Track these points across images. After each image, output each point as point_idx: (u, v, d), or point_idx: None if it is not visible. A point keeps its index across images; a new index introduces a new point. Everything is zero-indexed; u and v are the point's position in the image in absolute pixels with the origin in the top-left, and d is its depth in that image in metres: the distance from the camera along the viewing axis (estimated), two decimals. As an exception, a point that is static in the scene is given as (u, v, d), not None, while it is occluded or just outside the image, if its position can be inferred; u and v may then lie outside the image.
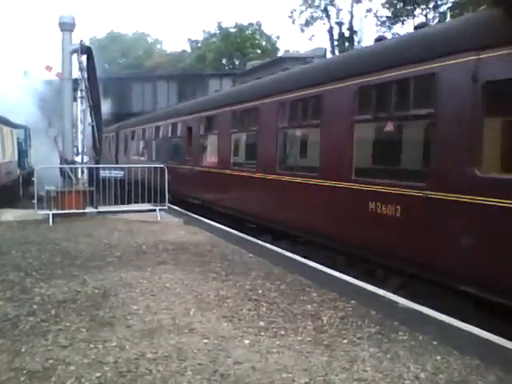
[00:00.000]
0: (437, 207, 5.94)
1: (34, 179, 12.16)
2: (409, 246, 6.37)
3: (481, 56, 5.48)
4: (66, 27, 13.38)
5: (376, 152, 7.65)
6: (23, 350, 4.33)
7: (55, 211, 11.66)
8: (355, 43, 37.20)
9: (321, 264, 7.63)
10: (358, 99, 7.51)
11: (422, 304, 5.72)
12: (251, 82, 13.31)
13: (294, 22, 40.84)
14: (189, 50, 57.87)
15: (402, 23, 36.24)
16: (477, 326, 5.02)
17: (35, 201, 11.93)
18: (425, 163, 6.51)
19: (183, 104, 19.11)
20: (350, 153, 7.57)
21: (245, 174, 11.46)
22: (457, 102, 5.86)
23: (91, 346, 4.42)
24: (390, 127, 7.03)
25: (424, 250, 6.14)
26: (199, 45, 56.08)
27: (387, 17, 36.74)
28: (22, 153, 24.80)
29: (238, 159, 12.31)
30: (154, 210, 12.54)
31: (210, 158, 13.96)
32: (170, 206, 13.47)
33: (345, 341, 4.61)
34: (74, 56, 13.33)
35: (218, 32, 54.37)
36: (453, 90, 5.91)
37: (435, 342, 4.59)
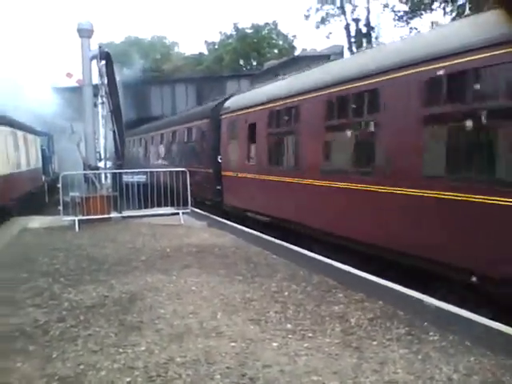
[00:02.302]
0: None
1: (59, 186, 12.33)
2: None
3: None
4: (85, 33, 13.56)
5: None
6: (54, 355, 4.39)
7: (81, 217, 11.82)
8: (373, 39, 36.86)
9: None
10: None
11: (452, 303, 5.61)
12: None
13: (307, 19, 40.45)
14: (206, 52, 58.10)
15: (420, 17, 35.76)
16: (509, 325, 4.90)
17: (61, 207, 12.10)
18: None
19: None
20: None
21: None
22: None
23: (120, 350, 4.46)
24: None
25: None
26: (216, 46, 56.18)
27: (404, 11, 36.27)
28: (46, 159, 25.20)
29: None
30: (177, 214, 12.61)
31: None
32: (193, 209, 13.53)
33: (374, 342, 4.57)
34: (94, 62, 13.50)
35: (235, 33, 54.40)
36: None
37: (467, 343, 4.52)
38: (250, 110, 12.65)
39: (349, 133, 8.45)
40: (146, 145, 24.99)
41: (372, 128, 7.88)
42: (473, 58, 5.94)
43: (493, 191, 5.63)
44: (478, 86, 6.08)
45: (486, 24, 6.08)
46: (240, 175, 13.07)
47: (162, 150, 21.89)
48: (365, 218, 7.95)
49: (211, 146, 15.24)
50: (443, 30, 8.02)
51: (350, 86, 8.37)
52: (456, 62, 6.20)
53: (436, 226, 6.55)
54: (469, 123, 6.01)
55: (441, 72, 6.41)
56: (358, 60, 9.49)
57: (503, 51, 5.54)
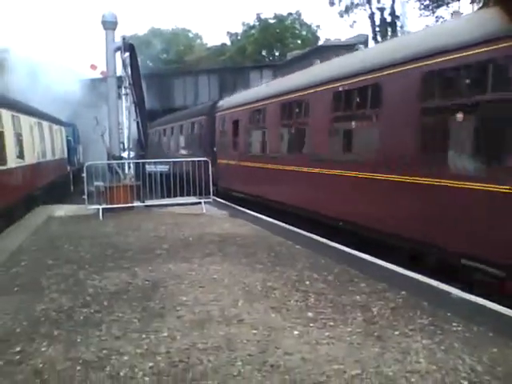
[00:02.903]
0: None
1: (84, 175, 12.51)
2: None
3: None
4: (109, 25, 13.65)
5: None
6: (78, 340, 4.47)
7: (104, 206, 11.98)
8: (398, 28, 36.28)
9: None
10: None
11: (476, 294, 5.54)
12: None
13: (333, 6, 39.97)
14: (228, 43, 57.99)
15: (447, 6, 35.02)
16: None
17: (85, 196, 12.28)
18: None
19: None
20: None
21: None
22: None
23: (143, 336, 4.51)
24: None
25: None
26: (239, 37, 56.04)
27: (430, 0, 35.58)
28: (72, 150, 25.61)
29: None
30: (199, 203, 12.68)
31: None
32: (215, 198, 13.58)
33: (396, 332, 4.52)
34: (118, 54, 13.60)
35: (258, 24, 54.13)
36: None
37: (491, 334, 4.44)
38: (235, 110, 15.63)
39: (289, 129, 12.00)
40: (161, 135, 27.32)
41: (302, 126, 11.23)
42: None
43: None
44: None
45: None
46: (229, 163, 15.78)
47: (173, 140, 24.51)
48: (297, 190, 11.06)
49: (208, 138, 17.93)
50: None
51: (293, 96, 11.51)
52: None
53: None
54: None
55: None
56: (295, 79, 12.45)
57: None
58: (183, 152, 20.97)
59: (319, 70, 11.38)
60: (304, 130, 11.20)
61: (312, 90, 10.51)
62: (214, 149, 17.06)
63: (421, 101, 7.20)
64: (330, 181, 9.66)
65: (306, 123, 11.01)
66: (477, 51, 6.17)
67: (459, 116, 6.58)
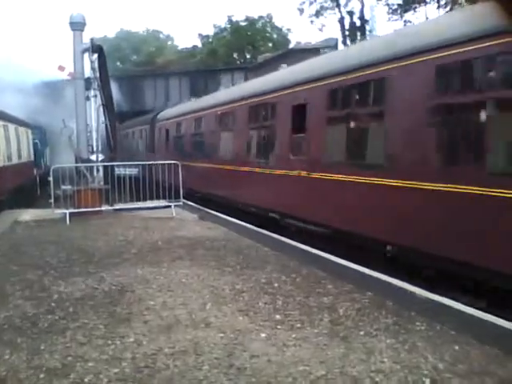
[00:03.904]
0: None
1: (51, 178, 12.28)
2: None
3: None
4: (77, 27, 13.44)
5: None
6: (42, 347, 4.38)
7: (72, 210, 11.79)
8: (367, 32, 36.83)
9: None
10: None
11: (439, 294, 5.66)
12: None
13: (301, 14, 40.46)
14: (200, 45, 57.84)
15: (414, 10, 35.76)
16: (494, 315, 4.95)
17: (52, 200, 12.06)
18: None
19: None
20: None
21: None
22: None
23: (109, 342, 4.46)
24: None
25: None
26: (210, 40, 55.92)
27: (398, 4, 36.26)
28: (39, 153, 25.10)
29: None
30: (170, 207, 12.60)
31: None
32: (185, 201, 13.51)
33: (361, 332, 4.59)
34: (86, 55, 13.41)
35: (229, 26, 54.15)
36: None
37: (453, 332, 4.55)
38: (167, 122, 19.85)
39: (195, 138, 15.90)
40: (128, 138, 29.14)
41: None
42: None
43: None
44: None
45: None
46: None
47: (134, 143, 27.35)
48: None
49: (150, 144, 22.16)
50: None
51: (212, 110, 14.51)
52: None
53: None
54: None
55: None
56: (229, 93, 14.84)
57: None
58: (139, 154, 23.83)
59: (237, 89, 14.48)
60: (202, 141, 15.46)
61: (236, 104, 12.75)
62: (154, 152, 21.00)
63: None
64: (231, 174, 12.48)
65: (203, 135, 15.48)
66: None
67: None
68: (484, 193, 5.65)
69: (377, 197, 7.43)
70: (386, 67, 7.25)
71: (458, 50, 6.10)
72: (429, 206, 6.54)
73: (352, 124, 8.27)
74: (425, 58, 6.59)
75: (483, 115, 5.83)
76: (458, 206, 6.05)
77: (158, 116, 21.49)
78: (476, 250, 5.81)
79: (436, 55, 6.42)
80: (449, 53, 6.23)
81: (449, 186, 6.12)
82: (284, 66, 12.97)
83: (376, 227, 7.43)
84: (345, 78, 8.18)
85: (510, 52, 5.49)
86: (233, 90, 14.99)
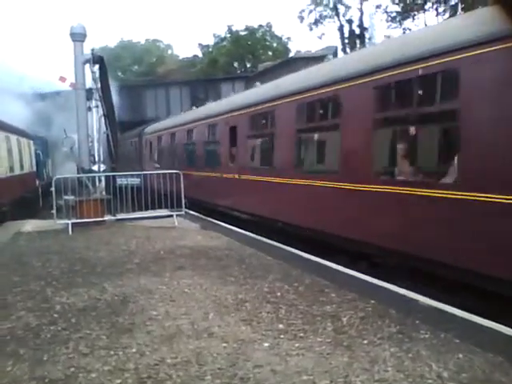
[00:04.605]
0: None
1: (53, 189, 12.30)
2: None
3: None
4: (78, 37, 13.56)
5: None
6: (45, 358, 4.38)
7: (74, 220, 11.80)
8: (366, 40, 37.00)
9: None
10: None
11: (443, 302, 5.64)
12: None
13: (302, 22, 40.72)
14: (200, 54, 58.10)
15: (413, 18, 35.94)
16: (499, 323, 4.93)
17: (54, 211, 12.07)
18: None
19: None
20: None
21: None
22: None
23: (111, 352, 4.45)
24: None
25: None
26: (210, 49, 56.19)
27: (397, 12, 36.45)
28: (41, 164, 25.16)
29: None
30: (172, 216, 12.60)
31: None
32: (187, 211, 13.52)
33: (365, 341, 4.57)
34: (87, 66, 13.50)
35: (229, 35, 54.44)
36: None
37: (457, 340, 4.52)
38: (151, 136, 23.10)
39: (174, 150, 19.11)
40: (128, 147, 30.35)
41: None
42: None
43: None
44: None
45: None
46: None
47: (131, 153, 28.68)
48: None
49: (139, 155, 25.12)
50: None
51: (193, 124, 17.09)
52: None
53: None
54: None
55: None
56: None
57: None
58: (132, 164, 25.28)
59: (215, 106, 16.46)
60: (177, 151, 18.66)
61: (196, 123, 16.53)
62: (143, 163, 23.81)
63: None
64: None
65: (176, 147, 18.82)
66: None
67: None
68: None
69: (269, 190, 10.86)
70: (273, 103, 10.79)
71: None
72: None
73: (261, 141, 11.90)
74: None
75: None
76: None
77: (145, 130, 24.64)
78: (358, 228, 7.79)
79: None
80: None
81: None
82: (258, 84, 15.58)
83: (271, 211, 10.94)
84: (254, 108, 11.85)
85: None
86: (195, 111, 18.94)
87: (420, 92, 6.85)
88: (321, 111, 9.47)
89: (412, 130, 6.99)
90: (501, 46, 5.50)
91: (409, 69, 6.74)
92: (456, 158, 6.17)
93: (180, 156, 18.14)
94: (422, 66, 6.54)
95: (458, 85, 6.06)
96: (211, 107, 16.56)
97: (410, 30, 34.20)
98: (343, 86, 8.25)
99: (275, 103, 10.66)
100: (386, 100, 7.60)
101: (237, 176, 12.67)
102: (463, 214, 5.98)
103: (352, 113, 8.05)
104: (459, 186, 6.00)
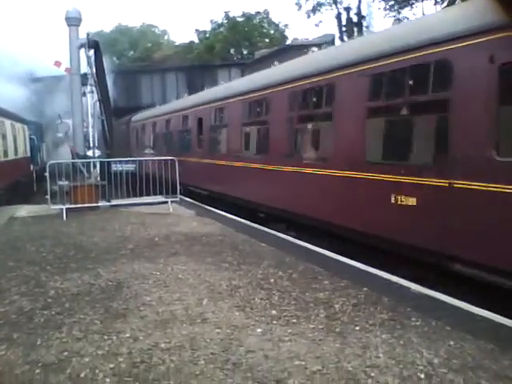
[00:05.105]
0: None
1: (47, 174, 12.24)
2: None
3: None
4: (73, 22, 13.42)
5: None
6: (38, 342, 4.39)
7: (68, 206, 11.77)
8: (364, 28, 36.76)
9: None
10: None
11: (435, 290, 5.69)
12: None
13: (300, 9, 40.35)
14: (196, 40, 57.59)
15: (411, 7, 35.70)
16: (490, 311, 4.98)
17: (48, 196, 12.03)
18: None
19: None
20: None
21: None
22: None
23: (105, 337, 4.46)
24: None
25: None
26: (207, 35, 55.69)
27: (395, 0, 36.18)
28: (35, 149, 25.03)
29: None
30: (166, 203, 12.59)
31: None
32: (182, 197, 13.51)
33: (357, 328, 4.60)
34: (82, 51, 13.37)
35: (226, 22, 53.93)
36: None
37: (448, 328, 4.56)
38: (136, 123, 25.36)
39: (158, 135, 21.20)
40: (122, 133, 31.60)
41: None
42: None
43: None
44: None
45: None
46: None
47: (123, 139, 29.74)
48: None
49: (127, 140, 26.66)
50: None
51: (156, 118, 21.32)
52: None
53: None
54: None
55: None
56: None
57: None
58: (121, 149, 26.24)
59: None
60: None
61: (171, 115, 19.30)
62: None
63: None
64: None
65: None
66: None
67: None
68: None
69: (231, 174, 12.74)
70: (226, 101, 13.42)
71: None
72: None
73: (220, 131, 14.22)
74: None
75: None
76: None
77: (132, 119, 26.59)
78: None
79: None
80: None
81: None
82: (222, 83, 19.00)
83: (231, 189, 12.87)
84: (214, 103, 14.34)
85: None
86: (173, 104, 21.67)
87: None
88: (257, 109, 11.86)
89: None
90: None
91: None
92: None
93: (161, 144, 20.50)
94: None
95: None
96: (183, 101, 19.72)
97: (407, 18, 34.00)
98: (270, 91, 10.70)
99: (227, 101, 13.37)
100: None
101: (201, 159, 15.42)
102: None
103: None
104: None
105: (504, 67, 5.32)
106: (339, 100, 8.14)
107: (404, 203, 6.57)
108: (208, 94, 16.40)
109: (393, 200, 6.73)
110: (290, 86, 9.70)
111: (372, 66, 7.27)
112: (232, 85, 14.86)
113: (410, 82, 6.76)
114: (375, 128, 7.45)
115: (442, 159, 6.13)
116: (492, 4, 5.48)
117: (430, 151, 6.51)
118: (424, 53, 6.31)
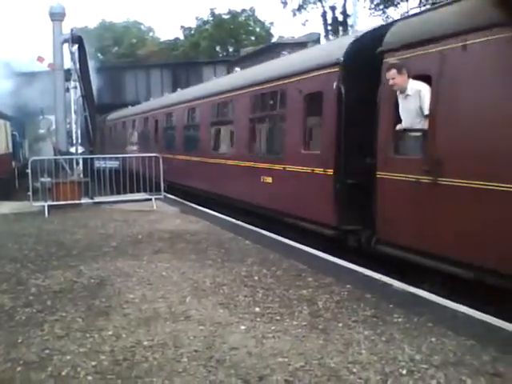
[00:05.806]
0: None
1: (29, 171, 12.09)
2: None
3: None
4: (56, 17, 13.29)
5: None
6: (19, 340, 4.33)
7: (51, 203, 11.64)
8: (349, 27, 36.88)
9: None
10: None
11: (417, 287, 5.75)
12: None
13: (285, 7, 40.37)
14: (182, 37, 57.29)
15: (396, 6, 35.91)
16: (471, 307, 5.04)
17: (30, 193, 11.89)
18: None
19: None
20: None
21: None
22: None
23: (87, 335, 4.42)
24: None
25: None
26: (192, 32, 55.43)
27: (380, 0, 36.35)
28: (17, 145, 24.69)
29: None
30: (150, 200, 12.52)
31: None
32: (166, 194, 13.45)
33: (340, 324, 4.63)
34: (66, 46, 13.23)
35: (211, 19, 53.74)
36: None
37: (430, 324, 4.61)
38: (111, 123, 27.61)
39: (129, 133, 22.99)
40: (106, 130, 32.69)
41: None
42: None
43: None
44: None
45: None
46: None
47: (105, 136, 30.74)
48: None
49: (102, 139, 27.10)
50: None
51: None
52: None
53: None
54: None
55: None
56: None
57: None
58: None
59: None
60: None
61: (139, 116, 21.52)
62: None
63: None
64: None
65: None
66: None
67: None
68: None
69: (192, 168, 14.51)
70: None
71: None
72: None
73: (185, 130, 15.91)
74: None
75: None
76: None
77: (106, 118, 28.51)
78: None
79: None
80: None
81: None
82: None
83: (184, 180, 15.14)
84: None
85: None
86: (144, 105, 23.00)
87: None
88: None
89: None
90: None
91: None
92: None
93: (133, 142, 22.29)
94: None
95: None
96: (145, 105, 22.26)
97: (392, 18, 34.19)
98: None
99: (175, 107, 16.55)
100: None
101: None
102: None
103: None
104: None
105: (306, 96, 8.55)
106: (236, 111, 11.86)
107: (266, 181, 9.83)
108: (163, 99, 19.47)
109: (262, 180, 9.95)
110: (213, 98, 13.22)
111: (251, 89, 10.78)
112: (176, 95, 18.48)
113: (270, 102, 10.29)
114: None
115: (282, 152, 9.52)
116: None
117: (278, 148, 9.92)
118: (274, 84, 9.74)
